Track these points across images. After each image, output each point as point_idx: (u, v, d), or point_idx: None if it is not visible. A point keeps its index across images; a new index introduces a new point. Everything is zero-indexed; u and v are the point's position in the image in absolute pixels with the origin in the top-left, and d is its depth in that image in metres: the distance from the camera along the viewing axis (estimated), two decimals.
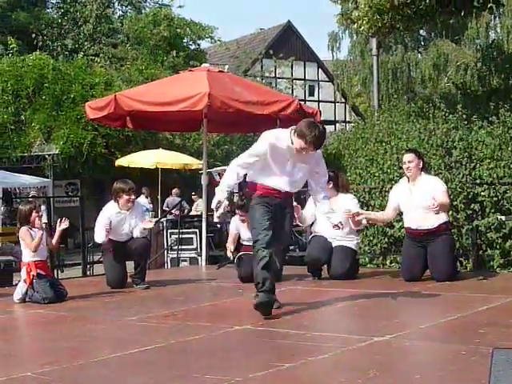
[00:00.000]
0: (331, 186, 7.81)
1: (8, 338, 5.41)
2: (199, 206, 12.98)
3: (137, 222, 7.82)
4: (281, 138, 5.86)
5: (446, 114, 9.21)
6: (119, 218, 7.77)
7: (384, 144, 9.47)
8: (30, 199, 7.42)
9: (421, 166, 7.36)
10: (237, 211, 8.16)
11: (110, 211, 7.79)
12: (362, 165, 9.57)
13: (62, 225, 7.03)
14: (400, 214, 7.73)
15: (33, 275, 6.73)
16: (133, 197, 7.79)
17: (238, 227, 8.18)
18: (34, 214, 6.92)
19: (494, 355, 2.65)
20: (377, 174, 9.26)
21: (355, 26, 11.09)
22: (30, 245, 6.79)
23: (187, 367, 4.21)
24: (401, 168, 8.96)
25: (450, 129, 8.99)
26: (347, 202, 7.80)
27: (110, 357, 4.56)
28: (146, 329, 5.51)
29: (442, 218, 7.30)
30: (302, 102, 11.23)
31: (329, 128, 23.47)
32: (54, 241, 7.12)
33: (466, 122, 9.14)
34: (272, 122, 10.39)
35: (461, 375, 3.80)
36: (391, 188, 8.96)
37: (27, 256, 6.87)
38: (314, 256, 7.97)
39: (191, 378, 3.92)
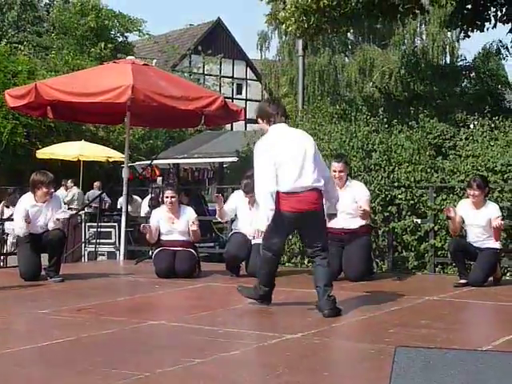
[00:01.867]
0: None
1: None
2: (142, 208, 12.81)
3: (53, 215, 7.68)
4: (268, 137, 5.80)
5: (368, 117, 9.34)
6: (35, 210, 7.62)
7: None
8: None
9: (348, 172, 7.50)
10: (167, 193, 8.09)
11: (26, 203, 7.63)
12: None
13: None
14: None
15: None
16: (52, 190, 7.66)
17: (159, 220, 8.11)
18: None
19: (397, 353, 2.69)
20: None
21: (283, 26, 11.15)
22: None
23: (97, 361, 4.15)
24: None
25: (370, 132, 9.13)
26: None
27: (18, 349, 4.47)
28: (57, 322, 5.41)
29: (364, 220, 7.47)
30: (230, 100, 11.25)
31: (255, 127, 23.60)
32: None
33: (386, 126, 9.29)
34: (197, 118, 10.38)
35: (368, 373, 3.86)
36: None
37: None
38: (232, 253, 7.99)
39: (99, 372, 3.87)
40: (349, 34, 32.49)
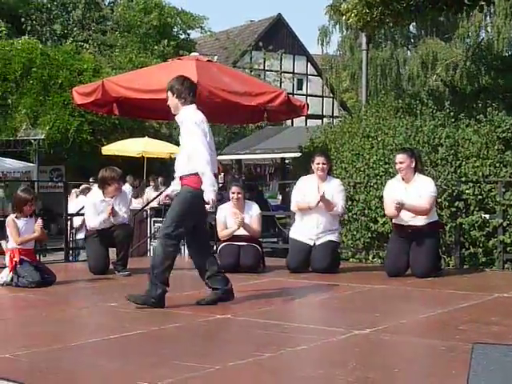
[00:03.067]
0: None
1: None
2: None
3: (121, 210, 7.81)
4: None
5: (434, 111, 9.21)
6: (104, 205, 7.75)
7: (371, 139, 9.46)
8: (30, 189, 7.35)
9: (413, 166, 7.41)
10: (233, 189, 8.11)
11: (94, 198, 7.78)
12: (348, 159, 9.57)
13: (38, 225, 6.91)
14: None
15: (15, 261, 6.69)
16: (121, 185, 7.80)
17: (226, 215, 8.17)
18: (27, 207, 6.90)
19: (474, 350, 2.65)
20: (362, 169, 9.26)
21: (344, 18, 11.06)
22: (16, 239, 6.77)
23: (167, 354, 4.20)
24: (386, 163, 9.01)
25: (436, 126, 9.00)
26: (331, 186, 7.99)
27: (89, 342, 4.55)
28: (127, 315, 5.49)
29: (432, 217, 7.39)
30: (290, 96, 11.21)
31: (316, 122, 23.53)
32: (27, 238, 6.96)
33: (453, 120, 9.14)
34: (259, 113, 10.40)
35: (439, 370, 3.81)
36: (376, 183, 9.04)
37: (12, 242, 6.83)
38: (293, 267, 7.99)
39: (171, 365, 3.90)
40: (411, 27, 32.21)
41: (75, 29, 25.50)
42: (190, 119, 5.74)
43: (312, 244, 7.97)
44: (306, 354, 4.26)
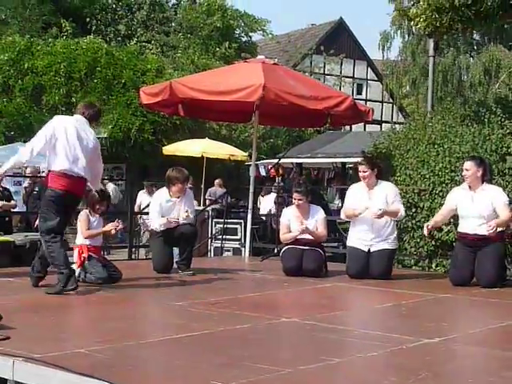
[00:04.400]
0: (375, 173, 7.97)
1: (59, 315, 5.48)
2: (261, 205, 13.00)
3: (185, 209, 7.88)
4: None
5: (503, 120, 9.07)
6: (169, 205, 7.84)
7: (436, 146, 9.35)
8: (103, 189, 7.52)
9: (480, 175, 7.33)
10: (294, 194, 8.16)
11: (161, 198, 7.87)
12: (413, 166, 9.47)
13: (113, 225, 7.05)
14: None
15: (84, 257, 6.81)
16: (187, 186, 7.88)
17: (289, 219, 8.19)
18: (98, 206, 7.04)
19: None
20: (427, 176, 9.16)
21: (412, 23, 10.94)
22: (84, 232, 6.90)
23: (236, 355, 4.23)
24: (452, 171, 8.91)
25: (505, 135, 8.85)
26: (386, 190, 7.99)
27: (160, 339, 4.62)
28: (193, 315, 5.55)
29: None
30: None
31: (375, 128, 23.38)
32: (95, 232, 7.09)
33: None
34: (322, 117, 10.39)
35: None
36: (441, 191, 8.94)
37: (81, 239, 6.96)
38: (351, 273, 7.97)
39: (241, 366, 3.94)
40: (474, 33, 31.79)
41: (139, 29, 25.89)
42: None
43: (367, 250, 7.94)
44: (376, 360, 4.24)
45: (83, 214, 6.98)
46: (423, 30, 10.64)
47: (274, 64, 10.44)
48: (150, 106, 10.97)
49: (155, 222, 7.80)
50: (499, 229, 7.31)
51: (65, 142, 6.41)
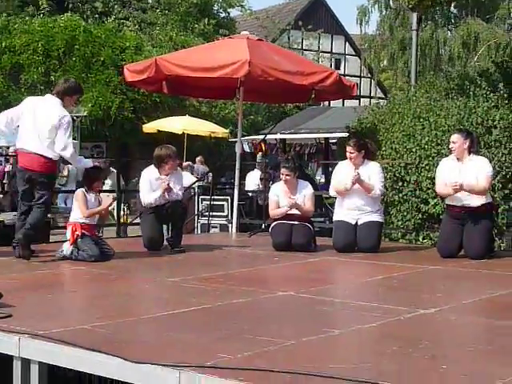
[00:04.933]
0: (362, 154, 7.97)
1: (56, 293, 5.50)
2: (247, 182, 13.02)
3: (175, 187, 7.89)
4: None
5: (488, 93, 9.14)
6: (158, 183, 7.83)
7: (422, 120, 9.42)
8: (99, 166, 7.54)
9: (466, 147, 7.39)
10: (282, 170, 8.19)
11: (150, 176, 7.87)
12: (399, 140, 9.54)
13: (108, 200, 7.12)
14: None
15: (77, 235, 6.80)
16: (177, 163, 7.88)
17: (278, 194, 8.22)
18: (96, 183, 7.05)
19: None
20: (413, 150, 9.23)
21: None
22: (83, 211, 6.90)
23: (237, 328, 4.27)
24: (439, 145, 8.99)
25: (490, 107, 8.93)
26: (370, 170, 8.01)
27: (159, 315, 4.64)
28: (188, 290, 5.57)
29: (486, 198, 7.38)
30: None
31: (353, 103, 23.41)
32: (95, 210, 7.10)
33: (506, 102, 9.06)
34: (307, 93, 10.37)
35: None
36: (427, 164, 9.03)
37: (74, 216, 6.95)
38: (339, 247, 8.03)
39: (243, 339, 3.97)
40: (452, 7, 31.81)
41: (116, 6, 25.60)
42: None
43: (354, 223, 8.00)
44: (376, 331, 4.30)
45: (80, 193, 6.97)
46: (407, 3, 10.67)
47: (259, 40, 10.42)
48: (134, 84, 10.92)
49: (148, 197, 7.80)
50: (485, 200, 7.37)
51: (22, 122, 6.93)
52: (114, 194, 10.27)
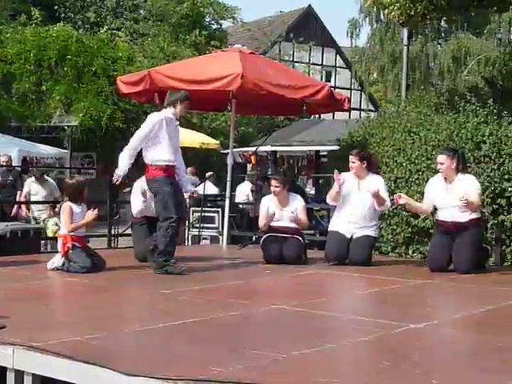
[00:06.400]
0: (365, 165, 8.03)
1: (49, 304, 5.53)
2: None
3: None
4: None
5: (477, 108, 9.22)
6: (150, 194, 7.85)
7: (412, 134, 9.49)
8: (76, 174, 7.54)
9: (454, 167, 7.47)
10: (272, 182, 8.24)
11: (142, 187, 7.89)
12: (389, 154, 9.61)
13: (92, 215, 7.05)
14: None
15: (68, 247, 6.82)
16: None
17: (269, 206, 8.26)
18: (86, 190, 7.07)
19: None
20: (404, 164, 9.29)
21: (386, 11, 11.02)
22: (68, 226, 6.90)
23: (231, 341, 4.31)
24: (429, 159, 9.05)
25: (480, 123, 9.01)
26: (376, 183, 8.02)
27: (153, 327, 4.66)
28: (181, 303, 5.61)
29: (475, 213, 7.46)
30: None
31: (344, 115, 23.52)
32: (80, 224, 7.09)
33: (495, 117, 9.15)
34: (298, 106, 10.46)
35: (502, 366, 3.88)
36: (417, 178, 9.10)
37: (64, 229, 6.97)
38: (332, 258, 8.09)
39: (236, 352, 4.02)
40: (442, 21, 32.04)
41: (108, 17, 25.67)
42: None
43: (349, 237, 8.07)
44: (368, 345, 4.35)
45: (66, 207, 6.98)
46: (397, 18, 10.74)
47: (251, 53, 10.50)
48: (127, 95, 10.96)
49: (136, 206, 7.85)
50: (474, 215, 7.47)
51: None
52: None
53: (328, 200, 8.42)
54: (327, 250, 8.20)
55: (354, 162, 8.08)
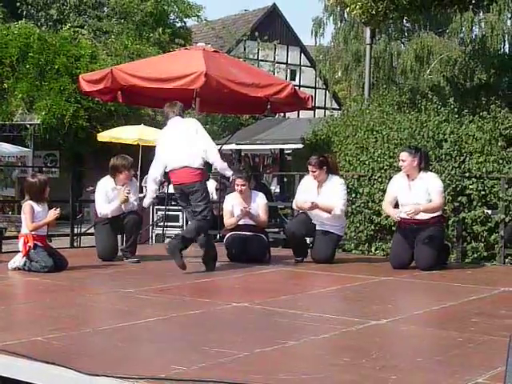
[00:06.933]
0: (325, 170, 8.03)
1: (10, 304, 5.47)
2: None
3: (130, 197, 7.89)
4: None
5: (438, 107, 9.34)
6: (115, 193, 7.84)
7: (375, 133, 9.58)
8: (38, 173, 7.45)
9: (416, 164, 7.51)
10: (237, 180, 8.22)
11: (106, 186, 7.86)
12: (352, 152, 9.69)
13: (54, 214, 6.96)
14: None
15: (29, 246, 6.76)
16: (132, 173, 7.89)
17: (233, 205, 8.27)
18: (47, 189, 7.00)
19: None
20: (367, 162, 9.39)
21: (348, 9, 11.09)
22: (29, 225, 6.82)
23: (192, 340, 4.31)
24: (391, 157, 9.15)
25: (441, 121, 9.13)
26: (333, 187, 8.01)
27: (114, 326, 4.65)
28: (144, 301, 5.59)
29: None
30: None
31: (309, 114, 23.62)
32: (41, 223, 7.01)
33: (456, 116, 9.27)
34: (262, 104, 10.48)
35: (461, 360, 3.93)
36: (380, 176, 9.18)
37: (25, 228, 6.90)
38: (291, 230, 8.13)
39: (197, 350, 4.00)
40: (404, 20, 32.27)
41: (71, 14, 25.40)
42: None
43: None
44: (329, 342, 4.38)
45: (27, 206, 6.91)
46: (359, 17, 10.82)
47: (215, 51, 10.49)
48: (89, 93, 10.88)
49: (104, 208, 7.79)
50: (436, 213, 7.56)
51: None
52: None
53: (294, 206, 8.45)
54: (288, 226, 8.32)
55: (314, 171, 8.02)
